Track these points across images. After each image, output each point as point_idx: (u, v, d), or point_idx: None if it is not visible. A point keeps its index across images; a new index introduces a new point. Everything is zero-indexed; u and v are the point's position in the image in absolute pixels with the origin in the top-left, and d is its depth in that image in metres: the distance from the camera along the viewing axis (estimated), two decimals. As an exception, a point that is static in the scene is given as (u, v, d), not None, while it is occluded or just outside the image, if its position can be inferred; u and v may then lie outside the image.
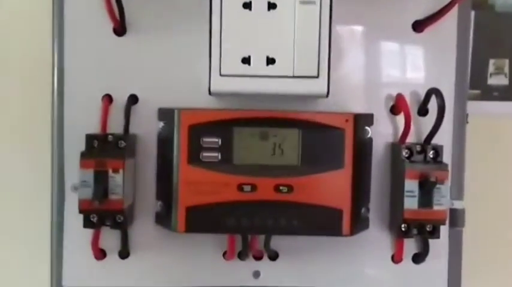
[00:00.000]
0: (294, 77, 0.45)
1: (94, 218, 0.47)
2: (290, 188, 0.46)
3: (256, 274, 0.51)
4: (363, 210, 0.49)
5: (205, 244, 0.51)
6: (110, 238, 0.50)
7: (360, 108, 0.50)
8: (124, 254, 0.50)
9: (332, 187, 0.46)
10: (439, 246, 0.51)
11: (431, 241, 0.50)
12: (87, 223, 0.47)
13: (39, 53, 0.54)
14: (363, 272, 0.51)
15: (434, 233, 0.49)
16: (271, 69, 0.45)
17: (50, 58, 0.50)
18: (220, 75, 0.45)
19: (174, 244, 0.50)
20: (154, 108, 0.50)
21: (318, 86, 0.45)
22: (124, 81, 0.50)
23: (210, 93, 0.46)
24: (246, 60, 0.45)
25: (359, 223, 0.48)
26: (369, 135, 0.49)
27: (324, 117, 0.47)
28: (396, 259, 0.51)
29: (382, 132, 0.51)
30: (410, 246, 0.51)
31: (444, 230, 0.50)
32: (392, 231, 0.50)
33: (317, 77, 0.45)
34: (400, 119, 0.51)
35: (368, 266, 0.51)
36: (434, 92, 0.47)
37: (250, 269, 0.51)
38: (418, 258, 0.51)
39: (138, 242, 0.51)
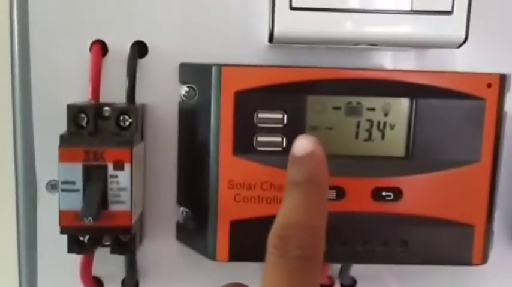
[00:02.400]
0: (412, 12, 0.27)
1: (84, 238, 0.30)
2: (397, 194, 0.29)
3: (324, 312, 0.35)
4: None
5: (251, 271, 0.34)
6: (109, 261, 0.33)
7: (482, 67, 0.33)
8: (130, 285, 0.34)
9: (461, 190, 0.30)
10: None
11: None
12: (74, 246, 0.30)
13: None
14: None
15: None
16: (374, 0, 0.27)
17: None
18: (291, 8, 0.27)
19: (204, 270, 0.33)
20: (173, 63, 0.32)
21: (451, 29, 0.28)
22: (125, 21, 0.32)
23: (271, 40, 0.28)
24: (334, -16, 0.27)
25: (490, 243, 0.32)
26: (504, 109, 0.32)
27: (453, 80, 0.29)
28: (529, 288, 0.35)
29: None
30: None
31: None
32: (531, 250, 0.34)
33: (451, 12, 0.28)
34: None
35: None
36: None
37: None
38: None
39: (151, 267, 0.34)
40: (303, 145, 0.24)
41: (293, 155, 0.24)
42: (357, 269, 0.34)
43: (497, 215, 0.34)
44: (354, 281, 0.35)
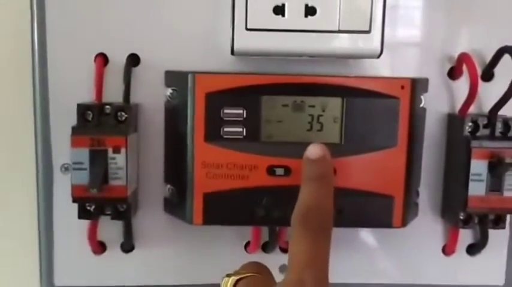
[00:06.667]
0: (339, 31, 0.36)
1: (91, 207, 0.39)
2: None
3: (283, 268, 0.44)
4: (413, 195, 0.41)
5: (224, 234, 0.43)
6: (110, 228, 0.42)
7: (407, 71, 0.41)
8: (127, 247, 0.42)
9: (382, 169, 0.38)
10: (499, 236, 0.43)
11: (490, 231, 0.42)
12: (83, 213, 0.39)
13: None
14: (408, 265, 0.44)
15: (499, 223, 0.41)
16: (310, 22, 0.36)
17: (27, 6, 0.40)
18: (246, 29, 0.36)
19: (186, 234, 0.42)
20: (159, 71, 0.40)
21: (369, 44, 0.36)
22: (122, 37, 0.40)
23: (232, 53, 0.37)
24: (279, 10, 0.36)
25: (410, 212, 0.40)
26: (423, 105, 0.41)
27: (374, 83, 0.37)
28: (448, 250, 0.43)
29: (435, 101, 0.42)
30: (464, 236, 0.43)
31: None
32: (447, 219, 0.43)
33: (368, 32, 0.36)
34: (458, 84, 0.42)
35: (414, 259, 0.44)
36: (508, 50, 0.39)
37: (276, 263, 0.43)
38: (473, 249, 0.43)
39: (144, 232, 0.42)
40: (316, 150, 0.30)
41: (308, 158, 0.30)
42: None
43: (424, 193, 0.43)
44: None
